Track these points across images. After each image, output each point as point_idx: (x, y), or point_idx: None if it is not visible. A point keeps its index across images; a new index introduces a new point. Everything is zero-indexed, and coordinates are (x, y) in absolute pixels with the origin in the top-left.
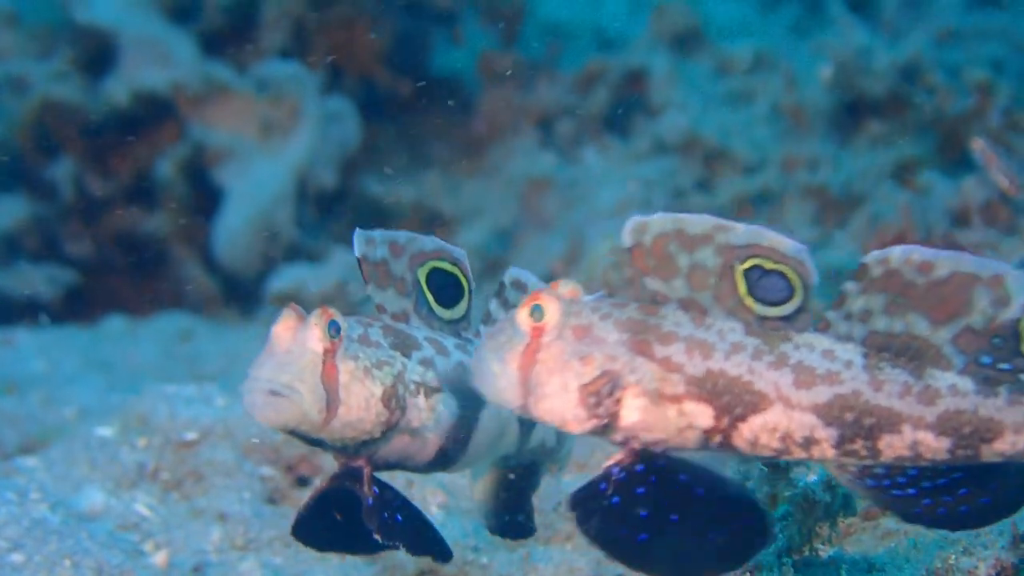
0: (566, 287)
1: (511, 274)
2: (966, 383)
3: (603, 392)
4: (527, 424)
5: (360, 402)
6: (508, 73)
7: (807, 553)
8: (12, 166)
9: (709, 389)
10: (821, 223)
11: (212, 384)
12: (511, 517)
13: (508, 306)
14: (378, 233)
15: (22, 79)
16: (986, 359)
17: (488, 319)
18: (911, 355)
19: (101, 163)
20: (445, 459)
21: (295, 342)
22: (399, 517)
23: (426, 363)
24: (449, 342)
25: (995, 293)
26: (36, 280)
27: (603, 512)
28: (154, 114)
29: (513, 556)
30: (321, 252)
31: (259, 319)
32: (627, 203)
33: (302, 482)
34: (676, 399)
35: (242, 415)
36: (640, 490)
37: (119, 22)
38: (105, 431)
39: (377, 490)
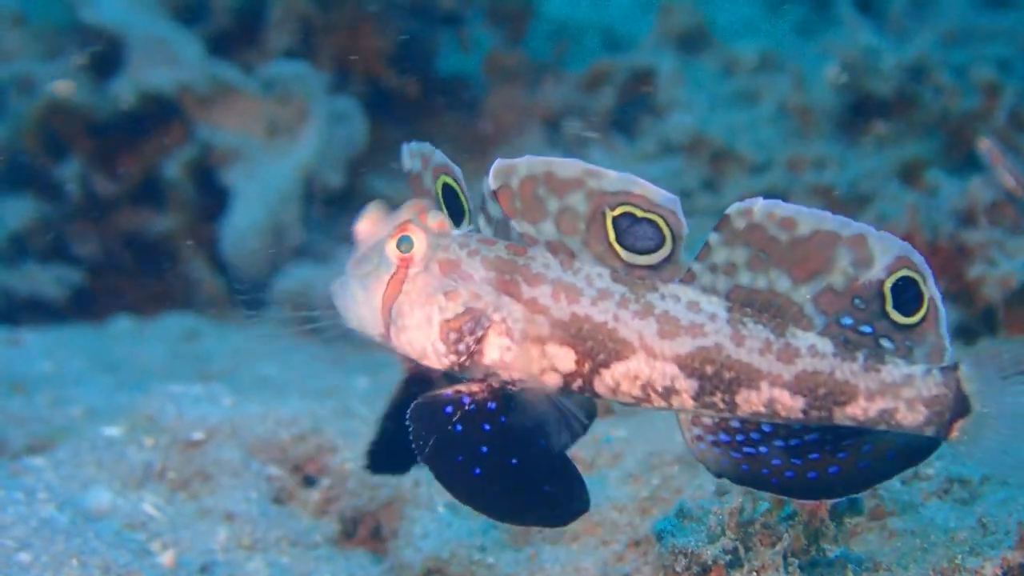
0: (434, 219)
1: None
2: (825, 344)
3: (465, 329)
4: None
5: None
6: (515, 73)
7: (813, 553)
8: (19, 167)
9: (573, 334)
10: None
11: (219, 384)
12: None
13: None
14: (415, 145)
15: (29, 79)
16: (847, 320)
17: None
18: (773, 312)
19: (108, 163)
20: None
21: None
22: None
23: None
24: None
25: (857, 253)
26: (43, 280)
27: (444, 436)
28: (161, 114)
29: (519, 556)
30: (328, 252)
31: (266, 319)
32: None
33: (309, 482)
34: (540, 341)
35: (248, 415)
36: (486, 427)
37: (126, 23)
38: (112, 431)
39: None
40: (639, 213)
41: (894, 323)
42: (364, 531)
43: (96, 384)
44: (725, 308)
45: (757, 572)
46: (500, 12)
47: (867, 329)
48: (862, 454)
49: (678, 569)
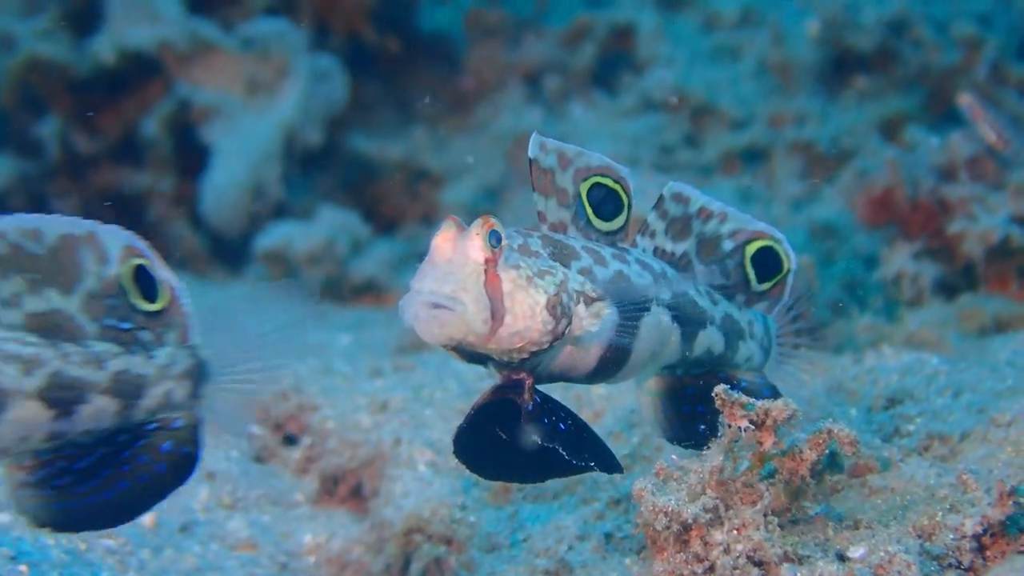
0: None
1: (671, 187)
2: (110, 347)
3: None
4: (689, 332)
5: (525, 310)
6: (496, 29)
7: (794, 511)
8: None
9: None
10: (809, 178)
11: None
12: (688, 428)
13: (667, 218)
14: (551, 141)
15: (8, 37)
16: (108, 321)
17: (646, 230)
18: (58, 329)
19: (88, 121)
20: (607, 370)
21: (456, 252)
22: (562, 426)
23: (585, 272)
24: (606, 251)
25: (94, 251)
26: None
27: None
28: (141, 72)
29: (500, 514)
30: (308, 210)
31: (246, 277)
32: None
33: (289, 440)
34: None
35: None
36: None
37: None
38: None
39: (539, 399)
40: None
41: (144, 312)
42: (345, 490)
43: None
44: (37, 338)
45: (738, 530)
46: None
47: (126, 325)
48: (140, 465)
49: (659, 528)
